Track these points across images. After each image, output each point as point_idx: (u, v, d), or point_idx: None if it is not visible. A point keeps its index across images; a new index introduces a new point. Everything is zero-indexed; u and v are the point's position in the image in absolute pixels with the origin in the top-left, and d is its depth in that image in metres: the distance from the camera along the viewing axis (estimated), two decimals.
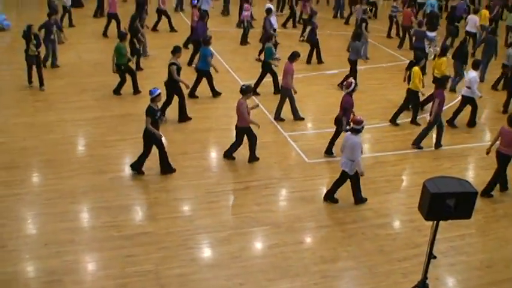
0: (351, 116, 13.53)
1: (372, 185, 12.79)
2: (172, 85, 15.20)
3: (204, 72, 16.94)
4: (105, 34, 23.28)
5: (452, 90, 18.65)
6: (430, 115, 14.35)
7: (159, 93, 12.39)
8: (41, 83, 17.01)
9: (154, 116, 12.21)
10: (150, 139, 12.34)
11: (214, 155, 13.89)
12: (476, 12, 24.11)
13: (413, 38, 21.40)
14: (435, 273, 9.52)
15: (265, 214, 11.51)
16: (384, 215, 11.74)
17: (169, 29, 24.53)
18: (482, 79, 19.45)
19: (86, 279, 9.40)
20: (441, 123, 14.52)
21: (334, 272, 9.87)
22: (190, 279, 9.48)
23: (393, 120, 15.97)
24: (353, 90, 13.63)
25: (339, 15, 29.60)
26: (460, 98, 16.38)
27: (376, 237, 10.93)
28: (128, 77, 17.07)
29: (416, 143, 14.64)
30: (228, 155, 13.55)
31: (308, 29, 21.72)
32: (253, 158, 13.48)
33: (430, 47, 21.75)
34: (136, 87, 17.13)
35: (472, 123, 16.24)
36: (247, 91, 13.11)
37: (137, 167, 12.62)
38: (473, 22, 23.27)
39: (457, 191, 7.20)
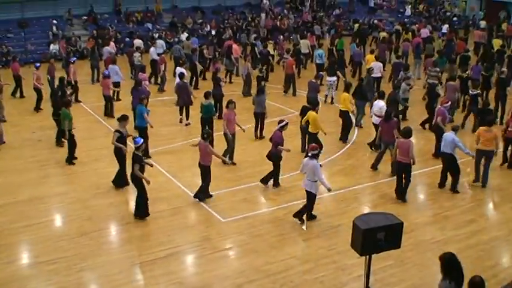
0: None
1: (289, 234, 13.25)
2: (115, 151, 15.65)
3: (141, 129, 17.53)
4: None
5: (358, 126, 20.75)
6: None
7: (143, 142, 14.08)
8: None
9: (141, 161, 13.73)
10: (138, 183, 13.73)
11: (132, 227, 13.80)
12: (376, 58, 26.26)
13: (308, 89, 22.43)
14: None
15: (194, 278, 11.61)
16: (307, 260, 12.17)
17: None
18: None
19: None
20: None
21: None
22: None
23: None
24: (283, 127, 15.56)
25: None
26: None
27: (305, 282, 11.31)
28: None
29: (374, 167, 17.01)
30: (200, 195, 14.94)
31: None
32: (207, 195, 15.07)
33: (329, 90, 24.27)
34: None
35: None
36: (208, 137, 14.89)
37: (139, 212, 14.01)
38: (378, 67, 24.92)
39: (385, 224, 7.75)
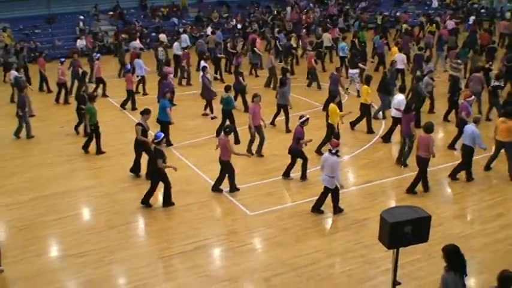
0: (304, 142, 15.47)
1: (315, 227, 13.26)
2: (139, 144, 15.88)
3: (164, 123, 17.95)
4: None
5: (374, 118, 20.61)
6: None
7: (164, 137, 14.34)
8: None
9: (163, 156, 13.96)
10: (157, 176, 14.12)
11: (159, 220, 13.93)
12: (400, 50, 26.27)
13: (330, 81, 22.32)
14: None
15: (221, 271, 11.69)
16: (334, 254, 12.18)
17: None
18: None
19: None
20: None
21: None
22: None
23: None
24: (303, 122, 15.40)
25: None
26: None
27: (331, 276, 11.32)
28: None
29: (403, 162, 16.70)
30: (217, 188, 15.18)
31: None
32: (234, 189, 15.16)
33: (351, 82, 24.34)
34: (100, 148, 18.24)
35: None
36: (230, 131, 15.08)
37: (146, 201, 14.36)
38: (401, 59, 24.82)
39: (413, 217, 7.71)
